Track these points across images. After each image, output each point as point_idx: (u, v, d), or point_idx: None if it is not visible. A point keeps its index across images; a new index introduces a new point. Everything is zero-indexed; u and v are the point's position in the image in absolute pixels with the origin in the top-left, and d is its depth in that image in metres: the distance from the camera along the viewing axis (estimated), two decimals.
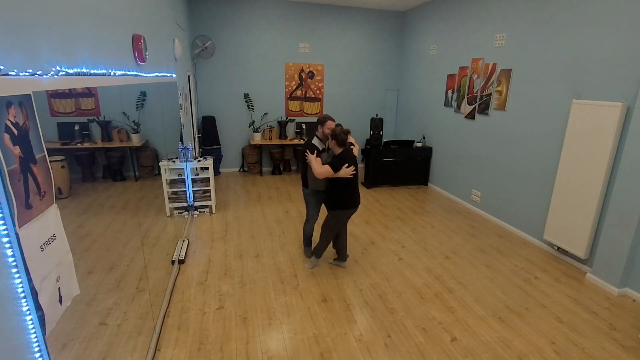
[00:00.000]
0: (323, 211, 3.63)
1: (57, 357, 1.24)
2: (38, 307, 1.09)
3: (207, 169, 4.79)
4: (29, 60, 1.22)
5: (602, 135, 3.35)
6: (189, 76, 5.76)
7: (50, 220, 1.20)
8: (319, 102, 7.38)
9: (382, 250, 4.03)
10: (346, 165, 3.14)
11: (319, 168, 3.14)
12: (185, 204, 4.52)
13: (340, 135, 3.14)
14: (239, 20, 6.55)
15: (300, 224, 4.64)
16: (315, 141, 3.40)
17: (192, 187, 4.73)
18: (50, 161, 1.21)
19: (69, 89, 1.47)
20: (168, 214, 3.85)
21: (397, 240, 4.28)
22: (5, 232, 0.99)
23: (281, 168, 7.36)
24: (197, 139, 6.30)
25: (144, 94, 2.67)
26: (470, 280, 3.45)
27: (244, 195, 5.81)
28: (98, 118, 1.77)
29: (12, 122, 1.01)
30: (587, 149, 3.49)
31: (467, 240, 4.36)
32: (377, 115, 6.72)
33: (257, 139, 6.91)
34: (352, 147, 3.32)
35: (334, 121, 3.38)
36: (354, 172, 3.19)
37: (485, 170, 5.13)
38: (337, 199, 3.29)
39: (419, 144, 6.51)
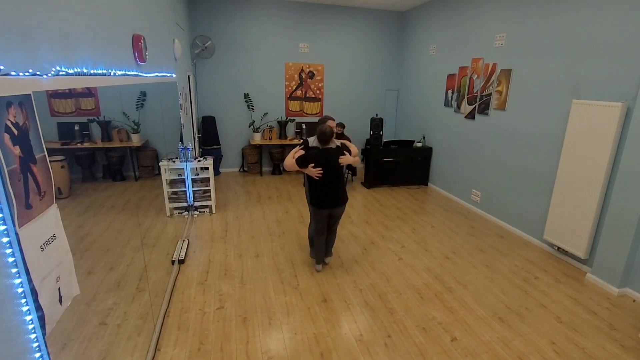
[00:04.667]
0: None
1: (57, 357, 1.24)
2: (38, 307, 1.09)
3: (207, 169, 4.79)
4: (29, 60, 1.22)
5: (602, 136, 3.35)
6: (189, 76, 5.76)
7: (50, 220, 1.19)
8: (319, 102, 7.38)
9: (382, 250, 4.03)
10: (312, 165, 3.12)
11: (288, 158, 3.20)
12: (185, 204, 4.52)
13: (324, 134, 3.14)
14: (239, 21, 6.55)
15: (300, 224, 4.64)
16: (312, 139, 3.37)
17: (192, 187, 4.73)
18: (50, 161, 1.21)
19: (69, 89, 1.47)
20: (168, 214, 3.85)
21: (397, 240, 4.28)
22: (5, 232, 0.99)
23: (281, 168, 7.36)
24: (197, 139, 6.30)
25: (144, 94, 2.67)
26: (470, 280, 3.45)
27: (244, 195, 5.81)
28: (98, 118, 1.77)
29: (12, 122, 1.01)
30: (587, 149, 3.49)
31: (467, 240, 4.36)
32: (377, 115, 6.71)
33: (257, 139, 6.90)
34: (344, 149, 3.28)
35: (334, 120, 3.39)
36: (320, 173, 3.13)
37: (485, 170, 5.13)
38: (308, 193, 3.39)
39: (419, 144, 6.51)
